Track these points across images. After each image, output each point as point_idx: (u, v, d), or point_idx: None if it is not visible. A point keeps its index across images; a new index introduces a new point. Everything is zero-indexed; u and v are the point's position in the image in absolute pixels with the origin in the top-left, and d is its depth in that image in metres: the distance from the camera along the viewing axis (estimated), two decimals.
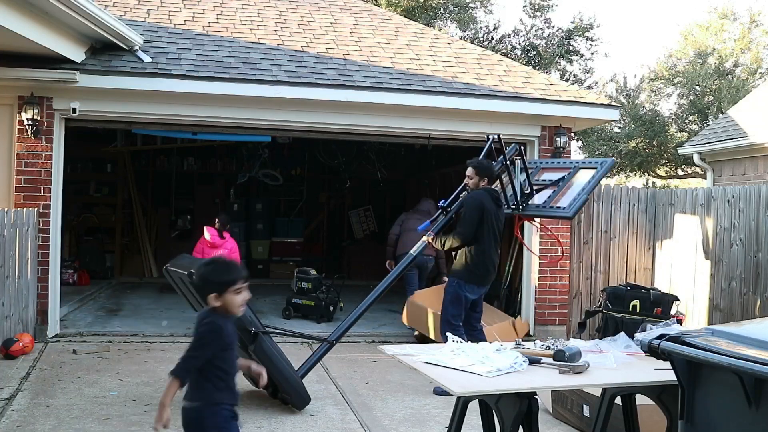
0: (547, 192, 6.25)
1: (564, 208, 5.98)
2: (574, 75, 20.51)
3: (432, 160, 12.81)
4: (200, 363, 2.98)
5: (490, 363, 3.15)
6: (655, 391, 3.39)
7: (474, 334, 6.12)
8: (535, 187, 6.32)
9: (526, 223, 8.89)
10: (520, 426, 3.08)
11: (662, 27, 53.51)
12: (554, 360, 3.28)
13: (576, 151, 21.20)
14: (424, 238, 6.22)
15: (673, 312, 6.55)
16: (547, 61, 19.59)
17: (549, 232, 8.06)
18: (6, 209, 6.76)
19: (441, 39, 10.53)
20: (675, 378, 2.81)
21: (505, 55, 18.37)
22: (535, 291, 8.76)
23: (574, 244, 8.95)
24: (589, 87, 20.27)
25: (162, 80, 7.52)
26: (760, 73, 19.96)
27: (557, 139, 8.62)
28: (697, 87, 19.35)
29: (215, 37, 8.85)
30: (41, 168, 7.45)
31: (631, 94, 20.99)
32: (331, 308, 9.25)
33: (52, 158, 7.51)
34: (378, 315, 9.39)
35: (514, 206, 6.28)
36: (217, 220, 9.29)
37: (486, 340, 5.25)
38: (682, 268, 8.72)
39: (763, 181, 10.14)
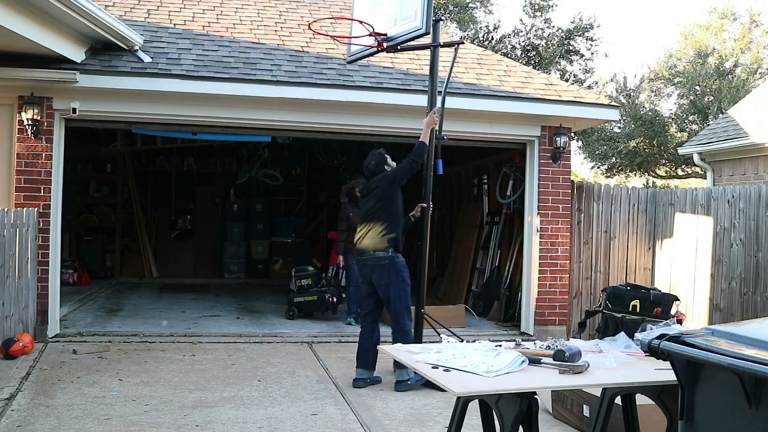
0: None
1: None
2: (574, 75, 20.51)
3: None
4: None
5: (490, 363, 3.15)
6: (655, 391, 3.39)
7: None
8: None
9: (525, 222, 8.93)
10: (520, 426, 3.08)
11: (662, 27, 53.56)
12: (554, 360, 3.28)
13: (576, 151, 21.24)
14: None
15: (673, 312, 6.55)
16: (547, 61, 19.58)
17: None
18: (6, 209, 6.76)
19: (441, 39, 10.51)
20: (675, 378, 2.81)
21: (505, 55, 18.38)
22: (536, 291, 8.76)
23: (574, 244, 8.96)
24: (589, 87, 20.27)
25: (162, 80, 7.52)
26: (760, 73, 19.96)
27: (557, 139, 8.62)
28: (697, 87, 19.34)
29: (215, 37, 8.86)
30: (41, 168, 7.45)
31: (631, 94, 20.99)
32: (335, 299, 9.29)
33: (52, 158, 7.51)
34: None
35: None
36: None
37: None
38: (682, 268, 8.72)
39: (763, 181, 10.14)
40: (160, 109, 7.84)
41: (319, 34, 6.24)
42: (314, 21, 6.35)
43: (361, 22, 6.19)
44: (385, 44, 6.06)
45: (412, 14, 5.70)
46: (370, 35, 6.07)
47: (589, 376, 3.19)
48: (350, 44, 6.48)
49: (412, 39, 5.96)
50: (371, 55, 6.46)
